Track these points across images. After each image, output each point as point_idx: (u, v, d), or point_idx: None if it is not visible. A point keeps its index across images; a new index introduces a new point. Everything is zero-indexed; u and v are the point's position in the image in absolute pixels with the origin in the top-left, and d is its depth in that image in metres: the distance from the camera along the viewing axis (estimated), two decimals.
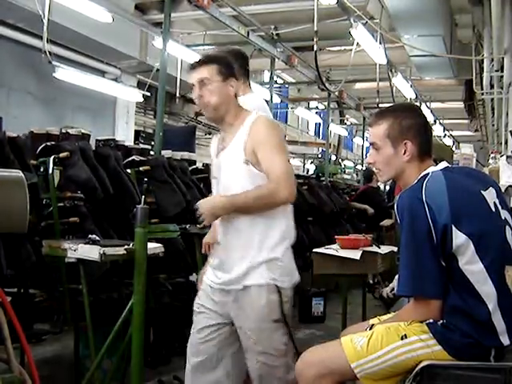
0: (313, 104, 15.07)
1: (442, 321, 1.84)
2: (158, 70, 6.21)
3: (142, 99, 8.95)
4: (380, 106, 8.88)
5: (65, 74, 6.91)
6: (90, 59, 8.39)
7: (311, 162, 15.08)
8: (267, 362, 2.20)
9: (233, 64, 2.31)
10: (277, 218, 2.23)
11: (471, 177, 2.01)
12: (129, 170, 4.12)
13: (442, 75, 9.90)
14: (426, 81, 10.76)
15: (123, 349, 2.67)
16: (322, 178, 8.56)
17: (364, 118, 12.91)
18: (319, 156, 15.04)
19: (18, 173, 1.34)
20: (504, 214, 1.93)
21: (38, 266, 3.39)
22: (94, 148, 4.03)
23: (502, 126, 7.91)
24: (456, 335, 1.80)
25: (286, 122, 16.36)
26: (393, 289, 2.84)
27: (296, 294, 2.95)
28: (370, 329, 1.98)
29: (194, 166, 4.96)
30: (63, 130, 4.04)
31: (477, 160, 6.43)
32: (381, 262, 3.65)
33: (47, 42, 6.23)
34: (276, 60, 7.96)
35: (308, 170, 13.99)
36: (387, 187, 9.56)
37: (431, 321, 1.84)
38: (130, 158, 4.18)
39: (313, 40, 6.04)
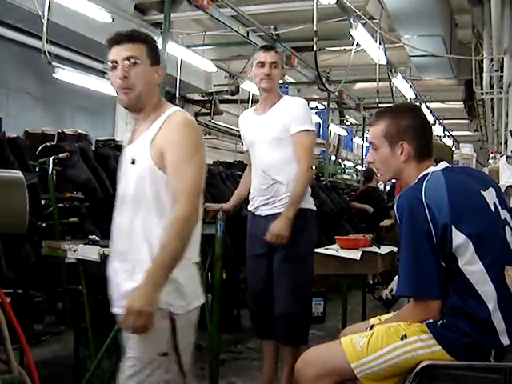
0: (313, 104, 15.04)
1: (441, 321, 1.84)
2: None
3: None
4: (380, 106, 8.88)
5: (64, 74, 6.91)
6: (90, 59, 8.38)
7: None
8: None
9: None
10: None
11: (471, 177, 2.01)
12: None
13: (442, 75, 9.91)
14: (426, 81, 10.76)
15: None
16: (322, 179, 8.56)
17: (364, 118, 12.92)
18: (319, 156, 15.04)
19: (17, 173, 1.34)
20: (504, 214, 1.93)
21: (38, 267, 3.39)
22: (93, 148, 4.04)
23: (501, 126, 7.91)
24: (456, 335, 1.80)
25: None
26: (392, 290, 2.84)
27: None
28: (370, 329, 1.98)
29: None
30: (59, 130, 4.05)
31: (477, 160, 6.43)
32: (381, 262, 3.65)
33: (47, 42, 6.22)
34: None
35: None
36: (387, 187, 9.57)
37: (431, 321, 1.84)
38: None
39: (312, 40, 6.04)
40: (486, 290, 1.79)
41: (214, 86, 10.71)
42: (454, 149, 9.45)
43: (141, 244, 1.85)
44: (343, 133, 15.53)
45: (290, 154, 3.06)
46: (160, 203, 1.84)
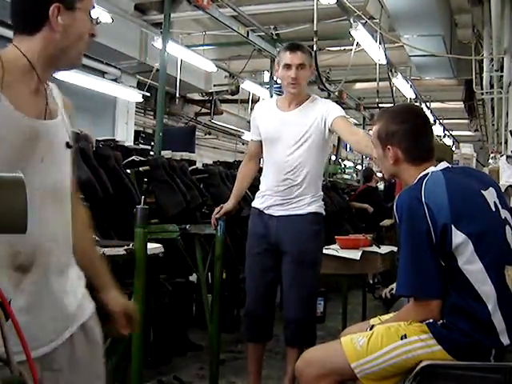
0: None
1: (441, 321, 1.84)
2: (157, 70, 6.22)
3: (141, 99, 8.94)
4: (380, 106, 8.89)
5: (64, 74, 6.89)
6: (90, 60, 8.38)
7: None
8: None
9: None
10: None
11: (471, 177, 2.01)
12: (129, 171, 4.12)
13: (442, 75, 9.90)
14: (426, 81, 10.76)
15: (123, 349, 2.67)
16: (322, 178, 8.55)
17: (364, 118, 12.91)
18: None
19: (17, 173, 1.34)
20: (504, 213, 1.93)
21: None
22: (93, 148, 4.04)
23: (501, 126, 7.91)
24: (456, 335, 1.80)
25: None
26: (392, 289, 2.85)
27: None
28: (371, 329, 1.98)
29: (194, 166, 4.96)
30: None
31: (477, 160, 6.43)
32: (381, 262, 3.65)
33: None
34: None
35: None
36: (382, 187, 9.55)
37: (431, 321, 1.85)
38: (130, 159, 4.18)
39: (312, 40, 6.04)
40: (486, 289, 1.79)
41: (214, 85, 10.70)
42: (454, 149, 9.45)
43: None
44: None
45: (316, 155, 2.98)
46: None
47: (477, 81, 8.17)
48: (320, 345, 2.13)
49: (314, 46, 6.04)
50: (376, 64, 8.09)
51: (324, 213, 3.09)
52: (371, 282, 6.55)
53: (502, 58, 6.51)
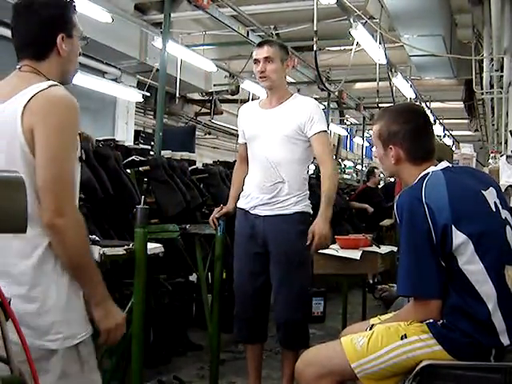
0: None
1: (442, 321, 1.84)
2: (157, 70, 6.21)
3: (141, 99, 8.94)
4: (380, 105, 8.89)
5: None
6: (90, 59, 8.38)
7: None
8: None
9: None
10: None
11: (472, 176, 2.01)
12: (129, 171, 4.12)
13: (442, 75, 9.90)
14: (426, 81, 10.76)
15: (123, 349, 2.67)
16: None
17: (364, 118, 12.90)
18: None
19: (17, 173, 1.34)
20: (504, 213, 1.93)
21: None
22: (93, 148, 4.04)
23: (502, 126, 7.91)
24: (456, 335, 1.80)
25: None
26: (385, 290, 2.85)
27: None
28: (370, 329, 1.98)
29: (194, 166, 4.96)
30: None
31: (477, 160, 6.43)
32: (381, 262, 3.65)
33: None
34: None
35: (308, 171, 13.96)
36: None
37: (431, 321, 1.84)
38: (130, 158, 4.18)
39: (312, 40, 6.04)
40: (486, 289, 1.79)
41: (214, 85, 10.70)
42: (453, 149, 9.45)
43: None
44: (343, 133, 15.53)
45: (297, 154, 2.99)
46: None
47: (477, 81, 8.17)
48: (320, 345, 2.13)
49: (314, 46, 6.05)
50: (376, 64, 8.09)
51: (311, 212, 3.07)
52: (371, 281, 6.55)
53: (502, 58, 6.51)
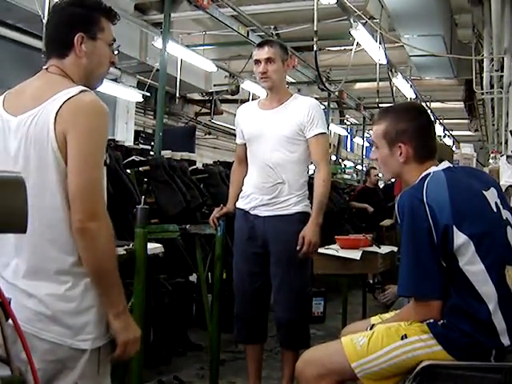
0: None
1: (442, 321, 1.83)
2: (157, 70, 6.22)
3: (141, 99, 8.95)
4: (380, 105, 8.89)
5: None
6: None
7: (311, 162, 15.04)
8: None
9: None
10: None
11: (473, 176, 2.00)
12: (129, 171, 4.12)
13: (442, 75, 9.90)
14: (426, 81, 10.76)
15: None
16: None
17: (364, 118, 12.92)
18: None
19: (17, 173, 1.34)
20: (505, 214, 1.93)
21: None
22: None
23: (502, 126, 7.91)
24: (456, 335, 1.80)
25: None
26: (386, 296, 2.85)
27: None
28: (371, 328, 1.97)
29: (194, 166, 4.96)
30: None
31: (477, 160, 6.43)
32: (381, 262, 3.65)
33: None
34: None
35: (308, 170, 13.95)
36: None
37: (432, 321, 1.84)
38: (130, 159, 4.18)
39: (313, 40, 6.04)
40: (487, 290, 1.79)
41: (214, 85, 10.71)
42: (454, 149, 9.45)
43: None
44: (343, 133, 15.53)
45: (297, 155, 2.99)
46: None
47: (477, 81, 8.16)
48: (320, 345, 2.13)
49: (314, 46, 6.05)
50: (376, 64, 8.09)
51: (311, 212, 3.06)
52: (371, 281, 6.55)
53: (502, 58, 6.51)
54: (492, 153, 7.14)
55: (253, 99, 9.52)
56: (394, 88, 9.12)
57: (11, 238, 1.51)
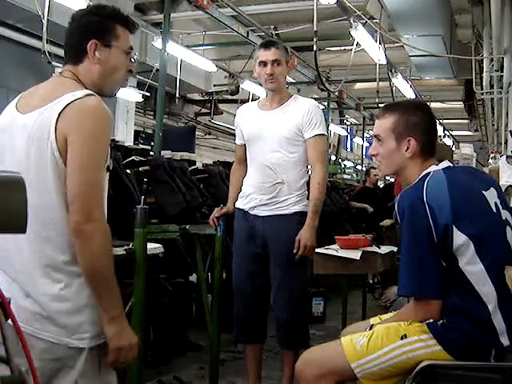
0: None
1: (442, 321, 1.83)
2: (157, 70, 6.22)
3: (141, 99, 8.95)
4: (380, 106, 8.89)
5: None
6: None
7: None
8: None
9: None
10: None
11: (473, 176, 2.00)
12: (129, 171, 4.12)
13: (442, 75, 9.91)
14: (426, 81, 10.77)
15: None
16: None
17: (364, 118, 12.92)
18: None
19: (17, 173, 1.34)
20: (505, 214, 1.92)
21: None
22: None
23: (501, 126, 7.91)
24: (456, 335, 1.80)
25: None
26: (388, 299, 2.85)
27: None
28: (370, 329, 1.97)
29: (194, 167, 4.96)
30: None
31: (477, 160, 6.43)
32: (381, 262, 3.64)
33: (47, 42, 6.22)
34: None
35: (308, 170, 13.96)
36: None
37: (431, 321, 1.84)
38: (130, 159, 4.18)
39: (312, 40, 6.04)
40: (486, 290, 1.79)
41: (214, 85, 10.71)
42: (453, 149, 9.45)
43: None
44: (343, 133, 15.53)
45: (297, 155, 2.99)
46: None
47: (477, 81, 8.17)
48: (320, 345, 2.12)
49: (314, 46, 6.05)
50: (376, 64, 8.10)
51: None
52: (371, 281, 6.55)
53: (502, 58, 6.51)
54: (492, 153, 7.14)
55: (253, 99, 9.53)
56: (394, 88, 9.12)
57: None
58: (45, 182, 1.49)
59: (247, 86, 9.45)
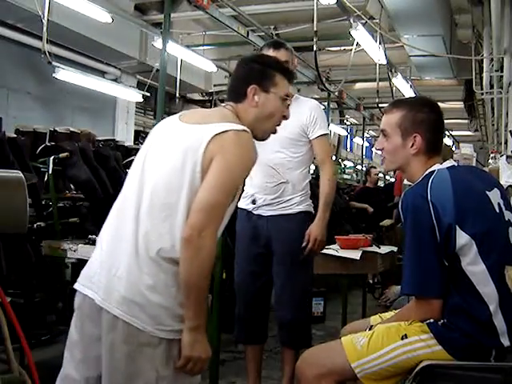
0: None
1: (442, 320, 1.83)
2: (157, 70, 6.22)
3: (141, 99, 8.95)
4: (380, 106, 8.90)
5: (64, 74, 6.91)
6: (90, 60, 8.38)
7: (313, 163, 15.03)
8: None
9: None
10: None
11: (476, 177, 2.00)
12: (128, 171, 4.12)
13: (442, 75, 9.90)
14: (426, 81, 10.76)
15: None
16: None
17: (364, 118, 12.92)
18: None
19: (17, 173, 1.34)
20: (508, 215, 1.92)
21: (38, 267, 3.39)
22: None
23: (501, 126, 7.92)
24: (456, 335, 1.80)
25: None
26: (388, 299, 2.85)
27: None
28: (370, 328, 1.97)
29: None
30: (51, 128, 4.05)
31: (477, 160, 6.42)
32: (381, 262, 3.65)
33: (47, 42, 6.22)
34: None
35: (309, 170, 13.95)
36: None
37: (432, 321, 1.84)
38: (130, 159, 4.18)
39: (312, 40, 6.04)
40: (488, 290, 1.78)
41: (214, 85, 10.71)
42: (453, 149, 9.45)
43: None
44: (343, 133, 15.53)
45: (300, 156, 2.99)
46: None
47: (477, 81, 8.17)
48: (321, 344, 2.12)
49: (314, 46, 6.06)
50: (376, 64, 8.10)
51: (313, 211, 3.07)
52: (371, 281, 6.55)
53: (502, 58, 6.51)
54: (492, 153, 7.14)
55: None
56: (394, 88, 9.12)
57: (129, 217, 1.67)
58: (180, 185, 1.62)
59: None
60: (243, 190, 2.96)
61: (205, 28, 8.99)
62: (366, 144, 14.72)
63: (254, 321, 3.08)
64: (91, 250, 2.84)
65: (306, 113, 2.97)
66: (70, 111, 8.35)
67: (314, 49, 6.11)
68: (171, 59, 7.37)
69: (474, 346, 1.79)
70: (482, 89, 8.08)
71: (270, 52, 2.95)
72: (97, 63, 8.56)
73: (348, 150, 19.18)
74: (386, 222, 6.58)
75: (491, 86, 7.77)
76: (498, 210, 1.89)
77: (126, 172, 4.03)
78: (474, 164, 5.66)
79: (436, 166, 1.94)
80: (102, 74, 8.74)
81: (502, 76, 6.95)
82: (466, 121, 14.11)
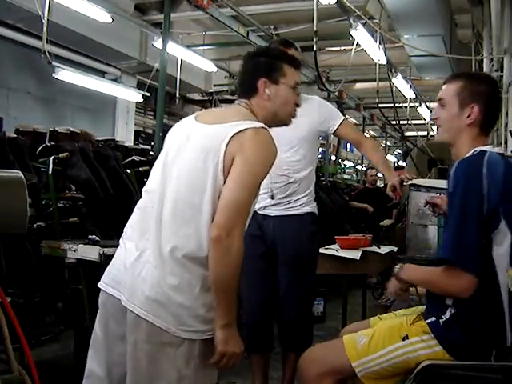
0: None
1: (444, 318, 1.82)
2: (157, 70, 6.23)
3: (141, 99, 8.95)
4: (380, 106, 8.89)
5: (65, 74, 6.91)
6: (90, 60, 8.38)
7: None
8: None
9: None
10: None
11: None
12: (129, 171, 4.12)
13: (442, 75, 9.86)
14: (426, 81, 10.75)
15: None
16: (322, 178, 8.56)
17: (364, 118, 12.92)
18: (319, 156, 15.02)
19: (17, 173, 1.35)
20: None
21: (38, 267, 3.39)
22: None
23: (501, 126, 7.90)
24: (457, 336, 1.80)
25: None
26: (388, 299, 2.84)
27: None
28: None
29: None
30: (51, 128, 4.05)
31: None
32: (381, 262, 3.64)
33: (47, 42, 6.22)
34: None
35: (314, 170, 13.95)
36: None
37: (433, 320, 1.84)
38: (130, 159, 4.19)
39: (312, 40, 6.04)
40: (504, 280, 1.78)
41: (214, 85, 10.71)
42: None
43: None
44: None
45: (307, 155, 2.96)
46: None
47: None
48: (322, 343, 2.12)
49: (314, 46, 6.04)
50: (376, 64, 8.09)
51: (317, 213, 3.04)
52: (371, 282, 6.54)
53: (502, 58, 6.51)
54: None
55: None
56: (394, 88, 9.10)
57: (153, 217, 1.68)
58: (203, 185, 1.65)
59: None
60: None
61: (205, 28, 8.99)
62: None
63: (264, 324, 3.01)
64: (91, 249, 2.86)
65: (313, 113, 2.94)
66: (70, 111, 8.35)
67: (314, 49, 6.10)
68: (171, 59, 7.38)
69: (474, 346, 1.79)
70: None
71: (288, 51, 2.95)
72: (97, 63, 8.56)
73: (348, 149, 19.18)
74: (386, 222, 6.57)
75: None
76: None
77: (126, 172, 4.04)
78: None
79: (487, 147, 1.90)
80: (102, 74, 8.74)
81: (501, 76, 6.94)
82: None
